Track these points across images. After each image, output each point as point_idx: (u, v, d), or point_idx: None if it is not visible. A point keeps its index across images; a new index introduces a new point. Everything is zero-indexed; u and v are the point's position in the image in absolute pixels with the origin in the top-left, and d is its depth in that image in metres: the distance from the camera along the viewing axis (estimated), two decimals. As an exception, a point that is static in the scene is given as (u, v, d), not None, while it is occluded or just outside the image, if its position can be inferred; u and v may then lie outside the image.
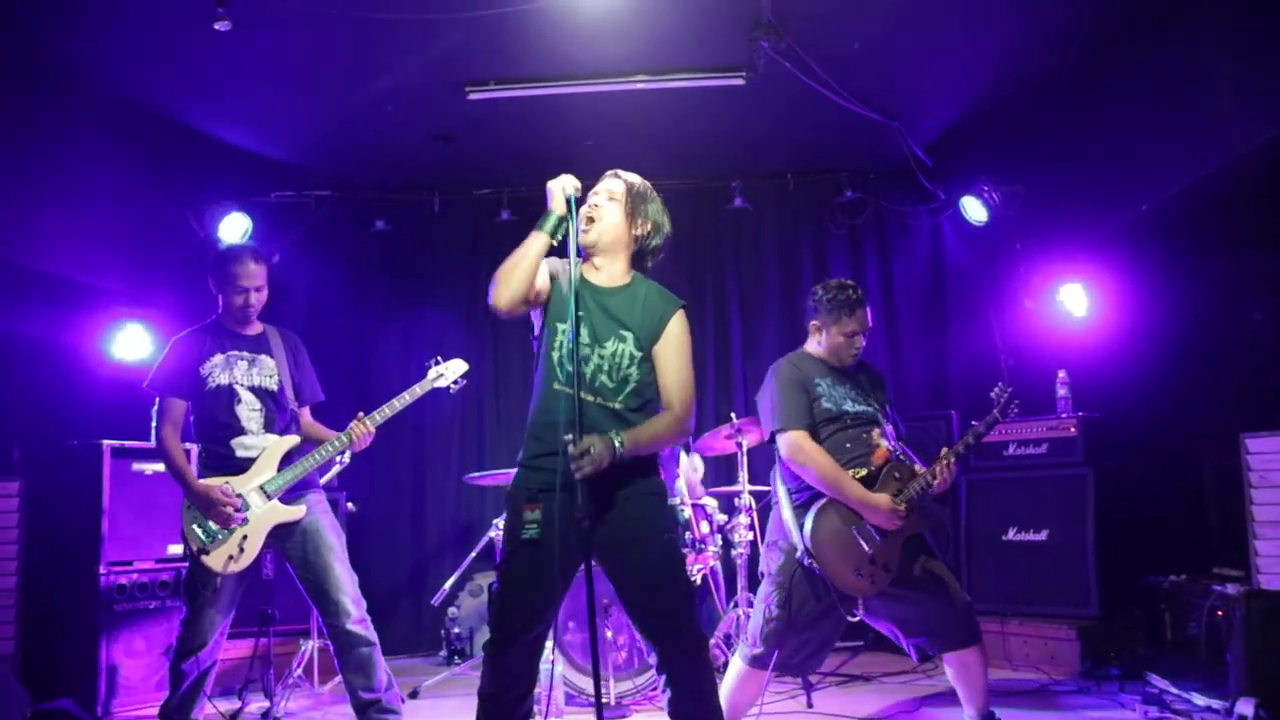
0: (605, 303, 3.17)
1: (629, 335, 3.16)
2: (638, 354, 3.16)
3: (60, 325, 5.65)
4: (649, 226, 3.25)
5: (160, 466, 5.03)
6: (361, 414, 4.11)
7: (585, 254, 3.24)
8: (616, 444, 2.96)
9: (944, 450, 3.82)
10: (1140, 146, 5.32)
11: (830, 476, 3.76)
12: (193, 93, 5.50)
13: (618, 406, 3.12)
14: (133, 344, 5.85)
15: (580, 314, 3.06)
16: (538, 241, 3.07)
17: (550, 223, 3.07)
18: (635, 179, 3.28)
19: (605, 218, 3.19)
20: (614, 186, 3.24)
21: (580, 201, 3.17)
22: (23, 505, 4.86)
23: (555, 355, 3.13)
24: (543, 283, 3.17)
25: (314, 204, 6.76)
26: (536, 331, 3.26)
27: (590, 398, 3.08)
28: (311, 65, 5.28)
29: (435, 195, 6.87)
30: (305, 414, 4.30)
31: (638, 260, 3.29)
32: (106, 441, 4.94)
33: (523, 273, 3.05)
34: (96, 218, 5.71)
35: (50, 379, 5.53)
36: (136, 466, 5.05)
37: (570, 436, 2.88)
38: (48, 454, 5.09)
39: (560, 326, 3.13)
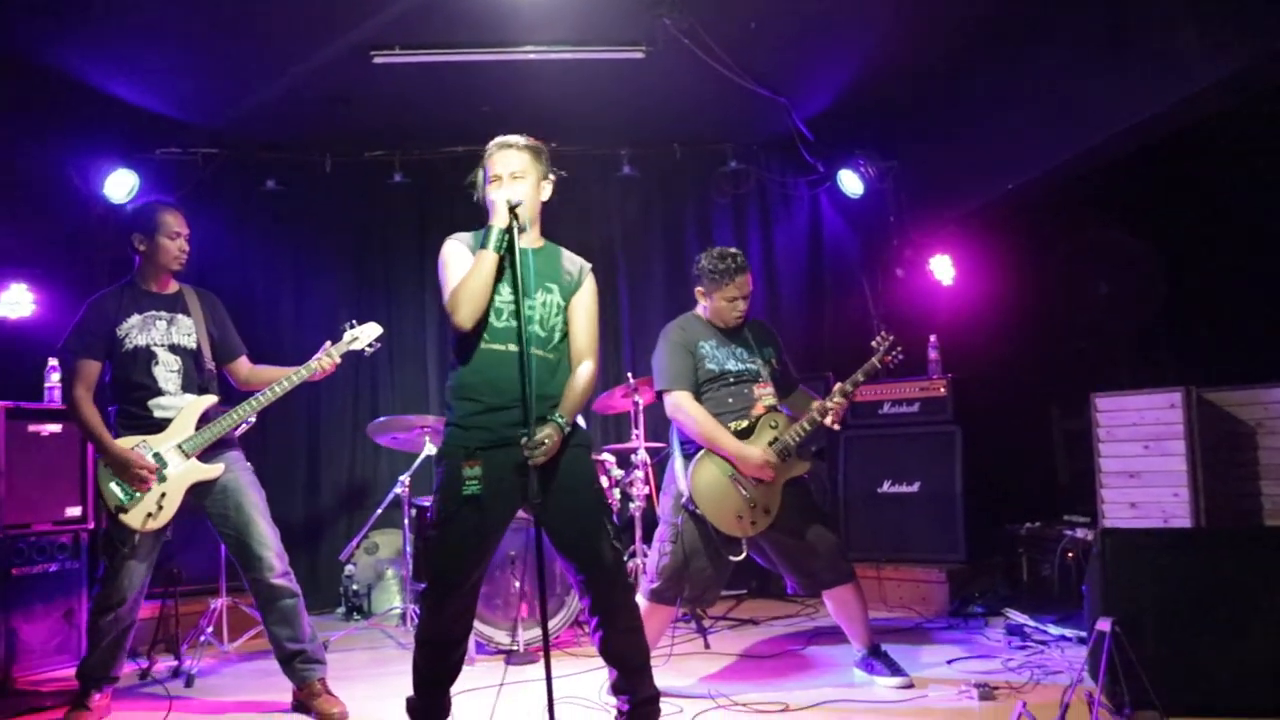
0: (528, 261, 3.36)
1: (555, 288, 3.41)
2: (563, 304, 3.42)
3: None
4: (551, 187, 3.48)
5: (56, 428, 4.97)
6: (329, 343, 4.25)
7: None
8: (563, 425, 3.22)
9: (836, 386, 4.15)
10: (1007, 130, 5.75)
11: (706, 431, 4.07)
12: (75, 44, 5.32)
13: (548, 355, 3.36)
14: (16, 303, 5.72)
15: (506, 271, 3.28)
16: (489, 260, 3.25)
17: (496, 238, 3.25)
18: (528, 144, 3.43)
19: (525, 200, 3.34)
20: (515, 164, 3.38)
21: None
22: (-87, 468, 4.72)
23: (489, 317, 3.31)
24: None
25: (201, 161, 6.64)
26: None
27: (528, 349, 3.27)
28: (204, 18, 5.16)
29: (327, 156, 6.84)
30: (243, 365, 4.34)
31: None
32: (1, 403, 4.83)
33: (482, 294, 3.25)
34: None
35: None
36: (32, 428, 4.95)
37: (524, 432, 3.10)
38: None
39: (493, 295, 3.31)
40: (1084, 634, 4.36)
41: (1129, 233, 5.77)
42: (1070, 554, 5.37)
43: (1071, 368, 5.96)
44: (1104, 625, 3.42)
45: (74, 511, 5.02)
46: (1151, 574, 3.65)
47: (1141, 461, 5.00)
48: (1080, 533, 5.39)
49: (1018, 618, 5.08)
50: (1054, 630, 4.85)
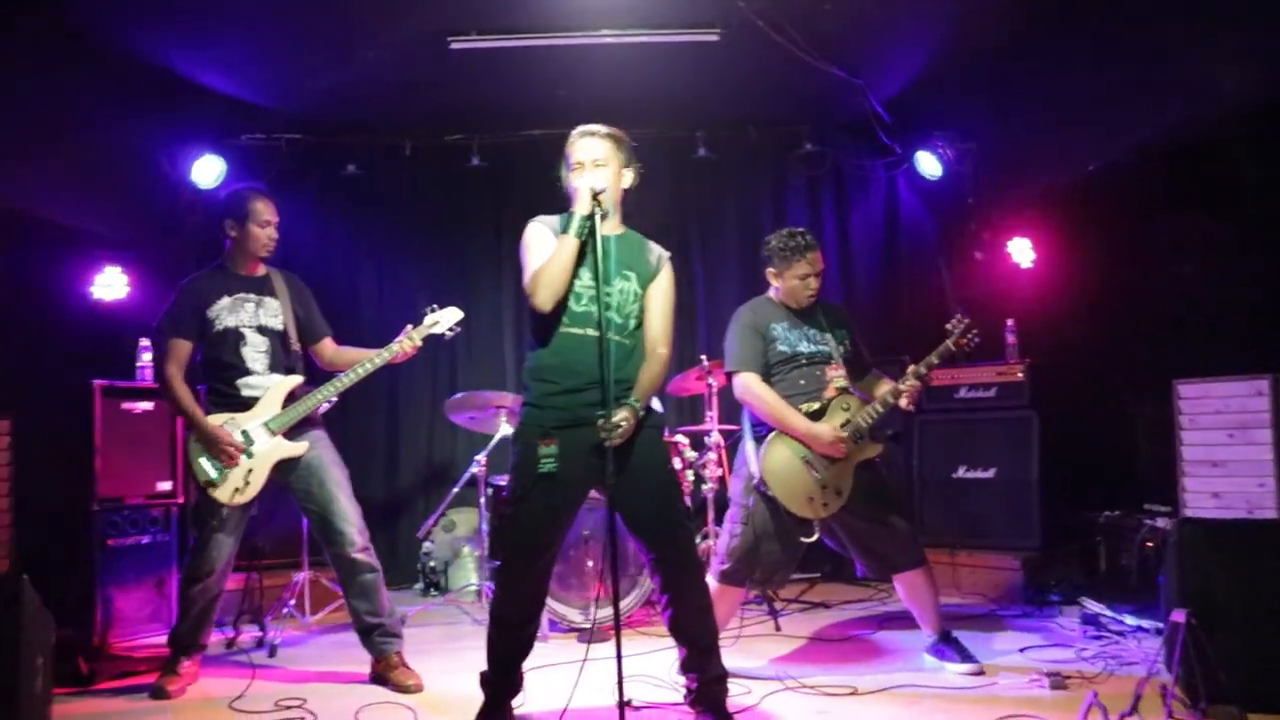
0: (609, 248, 3.41)
1: (633, 275, 3.47)
2: (640, 292, 3.47)
3: (40, 267, 5.71)
4: (633, 176, 3.52)
5: (148, 405, 5.16)
6: (410, 326, 4.34)
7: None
8: (637, 408, 3.28)
9: (909, 368, 4.14)
10: (1088, 111, 5.62)
11: (776, 412, 4.09)
12: (164, 33, 5.47)
13: (624, 340, 3.42)
14: (110, 285, 5.95)
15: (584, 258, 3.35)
16: (570, 245, 3.32)
17: (578, 225, 3.31)
18: (610, 132, 3.49)
19: (607, 187, 3.41)
20: (597, 152, 3.45)
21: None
22: (13, 443, 4.93)
23: (569, 301, 3.37)
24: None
25: (285, 146, 6.79)
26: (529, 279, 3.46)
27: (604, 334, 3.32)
28: (287, 6, 5.29)
29: (406, 140, 6.95)
30: (328, 346, 4.48)
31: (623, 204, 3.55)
32: (98, 381, 5.03)
33: (562, 278, 3.32)
34: (74, 160, 5.71)
35: (33, 319, 5.58)
36: (126, 405, 5.14)
37: (601, 414, 3.17)
38: (36, 393, 5.16)
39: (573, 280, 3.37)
40: (1161, 625, 4.29)
41: (1215, 216, 5.61)
42: (1149, 543, 5.27)
43: (1153, 353, 5.82)
44: (1178, 616, 3.36)
45: (165, 486, 5.21)
46: (1229, 565, 3.56)
47: (1225, 450, 4.87)
48: (1160, 522, 5.28)
49: (1094, 607, 5.00)
50: (1131, 621, 4.77)
